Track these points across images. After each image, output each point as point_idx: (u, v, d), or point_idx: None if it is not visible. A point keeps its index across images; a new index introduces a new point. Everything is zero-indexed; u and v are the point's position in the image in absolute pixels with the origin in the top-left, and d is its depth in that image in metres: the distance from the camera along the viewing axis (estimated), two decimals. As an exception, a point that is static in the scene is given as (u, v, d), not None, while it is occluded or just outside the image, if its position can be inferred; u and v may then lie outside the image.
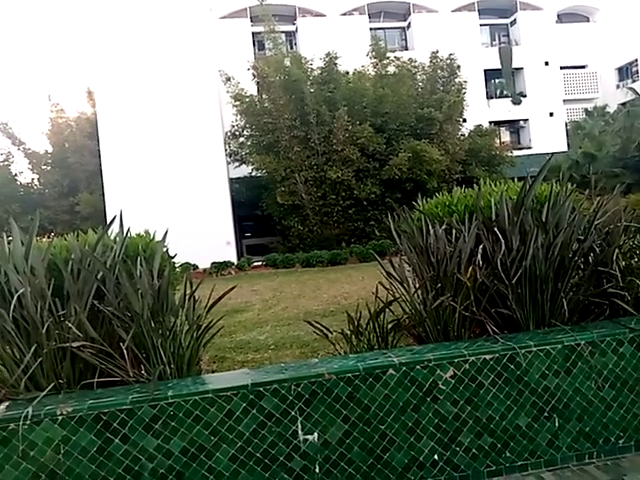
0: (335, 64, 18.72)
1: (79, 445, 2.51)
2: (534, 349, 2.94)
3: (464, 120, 20.56)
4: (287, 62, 18.97)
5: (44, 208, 20.63)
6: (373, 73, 19.71)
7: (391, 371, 2.79)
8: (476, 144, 19.79)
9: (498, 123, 26.54)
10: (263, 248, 20.06)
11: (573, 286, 3.39)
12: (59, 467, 2.49)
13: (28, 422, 2.47)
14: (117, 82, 17.51)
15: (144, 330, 2.94)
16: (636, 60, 30.84)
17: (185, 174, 17.44)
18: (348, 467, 2.72)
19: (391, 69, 19.61)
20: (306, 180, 17.96)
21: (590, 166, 22.33)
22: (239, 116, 19.46)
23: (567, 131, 27.75)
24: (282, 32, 24.28)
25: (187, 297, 3.18)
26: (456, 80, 20.24)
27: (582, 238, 3.38)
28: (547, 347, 2.95)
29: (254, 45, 24.99)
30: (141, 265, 3.13)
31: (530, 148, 26.69)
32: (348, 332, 3.52)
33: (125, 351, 2.88)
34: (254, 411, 2.65)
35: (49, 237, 19.71)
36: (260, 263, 17.59)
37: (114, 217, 3.50)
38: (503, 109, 27.73)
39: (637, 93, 25.12)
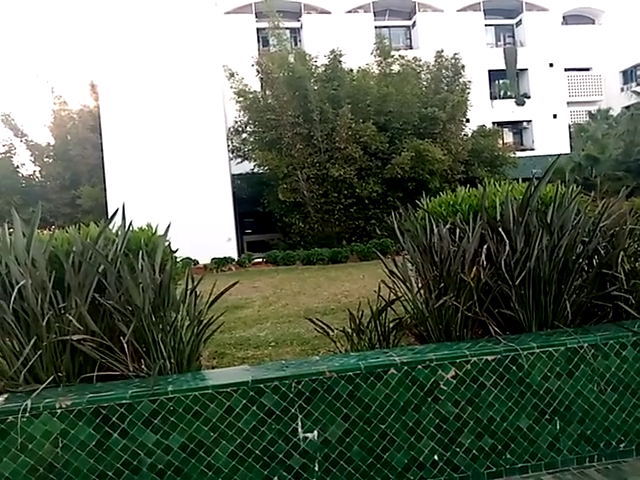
0: (339, 62, 18.66)
1: (77, 439, 2.50)
2: (536, 351, 2.92)
3: (467, 120, 20.49)
4: (291, 59, 18.90)
5: (46, 201, 20.64)
6: (377, 71, 19.65)
7: (392, 370, 2.78)
8: (479, 144, 19.74)
9: (501, 124, 26.48)
10: (264, 245, 20.05)
11: (577, 288, 3.36)
12: (57, 460, 2.48)
13: (27, 415, 2.46)
14: (121, 75, 17.47)
15: (145, 324, 2.93)
16: (641, 63, 30.72)
17: (187, 169, 17.42)
18: (348, 466, 2.71)
19: (395, 68, 19.54)
20: (308, 177, 17.93)
21: (593, 169, 22.29)
22: (242, 112, 19.41)
23: (570, 133, 27.66)
24: (287, 28, 24.18)
25: (188, 292, 3.17)
26: (460, 80, 20.18)
27: (587, 240, 3.36)
28: (549, 349, 2.94)
29: (258, 41, 24.91)
30: (143, 259, 3.12)
31: (533, 150, 26.64)
32: (349, 330, 3.50)
33: (125, 345, 2.87)
34: (254, 408, 2.64)
35: (50, 230, 19.74)
36: (261, 260, 17.58)
37: (116, 210, 3.48)
38: (507, 110, 27.65)
39: (641, 96, 25.04)
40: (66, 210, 21.34)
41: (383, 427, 2.74)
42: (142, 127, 17.30)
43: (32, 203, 19.88)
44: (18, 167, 23.28)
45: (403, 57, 19.86)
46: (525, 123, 28.42)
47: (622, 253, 3.32)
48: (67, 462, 2.49)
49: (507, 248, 3.15)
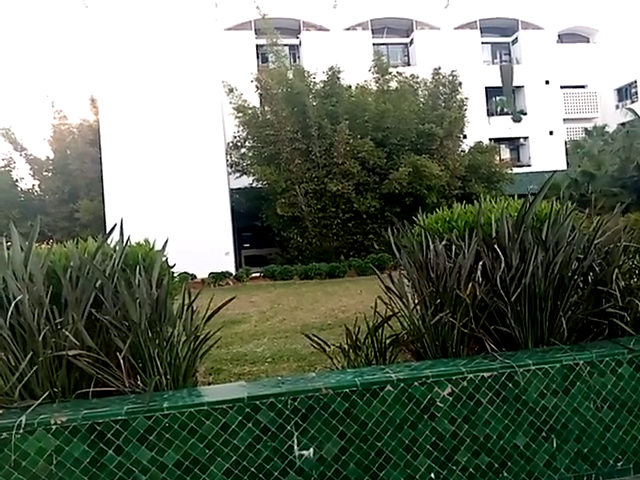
0: (338, 78, 18.87)
1: (72, 456, 2.48)
2: (532, 368, 2.92)
3: (464, 136, 20.68)
4: (290, 75, 19.11)
5: (44, 214, 20.63)
6: (375, 88, 19.85)
7: (389, 387, 2.77)
8: (476, 160, 19.88)
9: (498, 140, 26.69)
10: (262, 259, 20.04)
11: (572, 305, 3.38)
12: (51, 478, 2.46)
13: (21, 431, 2.44)
14: (121, 90, 17.61)
15: (141, 340, 2.93)
16: (635, 81, 31.15)
17: (186, 184, 17.48)
18: (343, 484, 2.69)
19: (393, 84, 19.75)
20: (306, 192, 18.00)
21: (589, 185, 22.45)
22: (241, 127, 19.56)
23: (566, 150, 27.91)
24: (286, 45, 24.51)
25: (185, 307, 3.17)
26: (457, 97, 20.39)
27: (582, 257, 3.38)
28: (545, 366, 2.94)
29: (258, 57, 25.19)
30: (140, 274, 3.12)
31: (530, 166, 26.82)
32: (346, 346, 3.50)
33: (122, 361, 2.86)
34: (250, 425, 2.63)
35: (48, 244, 19.69)
36: (258, 274, 17.56)
37: (114, 225, 3.49)
38: (503, 126, 27.91)
39: (636, 114, 25.33)
40: (64, 224, 21.34)
41: (379, 445, 2.73)
42: (141, 141, 17.41)
43: (31, 217, 19.87)
44: (17, 181, 23.33)
45: (401, 74, 20.11)
46: (522, 139, 28.68)
47: (617, 270, 3.34)
48: (61, 479, 2.46)
49: (502, 265, 3.17)
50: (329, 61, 19.21)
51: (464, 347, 3.26)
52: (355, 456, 2.70)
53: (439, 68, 20.67)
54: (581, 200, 20.08)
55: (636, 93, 31.01)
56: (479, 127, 24.23)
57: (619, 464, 2.96)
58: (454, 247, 3.50)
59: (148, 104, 17.45)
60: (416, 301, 3.54)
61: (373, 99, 19.05)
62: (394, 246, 3.85)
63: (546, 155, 27.00)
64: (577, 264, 3.36)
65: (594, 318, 3.39)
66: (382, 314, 3.58)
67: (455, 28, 27.55)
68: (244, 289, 14.08)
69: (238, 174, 20.17)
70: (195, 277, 15.85)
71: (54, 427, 2.47)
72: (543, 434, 2.89)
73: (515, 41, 29.29)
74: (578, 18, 31.35)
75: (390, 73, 19.95)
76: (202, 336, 3.19)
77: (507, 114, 28.41)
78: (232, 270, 17.86)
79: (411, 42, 27.98)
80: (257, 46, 24.94)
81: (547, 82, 28.35)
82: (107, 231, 3.56)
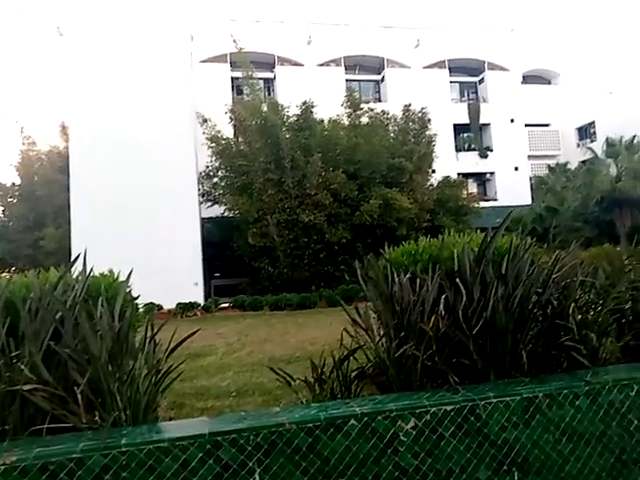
0: (311, 112, 19.26)
1: (21, 497, 2.37)
2: (494, 401, 2.96)
3: (433, 171, 21.25)
4: (264, 107, 19.42)
5: (7, 241, 20.08)
6: (347, 122, 20.34)
7: (353, 421, 2.76)
8: (444, 194, 20.40)
9: (466, 175, 27.51)
10: (232, 289, 19.82)
11: (532, 338, 3.47)
12: (-3, 522, 2.34)
13: (-33, 472, 2.33)
14: (92, 118, 17.53)
15: (101, 374, 2.85)
16: (594, 122, 32.81)
17: (156, 213, 17.31)
18: (306, 522, 2.63)
19: (365, 119, 20.29)
20: (278, 222, 18.07)
21: (553, 219, 23.26)
22: (214, 157, 19.64)
23: (531, 185, 28.95)
24: (261, 78, 24.99)
25: (147, 340, 3.12)
26: (427, 133, 21.03)
27: (540, 291, 3.49)
28: (506, 399, 2.98)
29: (233, 89, 25.54)
30: (102, 306, 3.07)
31: (496, 200, 27.67)
32: (312, 380, 3.48)
33: (79, 395, 2.78)
34: (211, 461, 2.57)
35: (9, 271, 19.05)
36: (228, 305, 17.34)
37: (77, 255, 3.44)
38: (471, 162, 28.86)
39: (595, 153, 26.56)
40: (28, 251, 20.74)
41: (342, 481, 2.70)
42: (111, 170, 17.24)
43: (-8, 243, 19.30)
44: (-21, 207, 22.70)
45: (372, 110, 20.67)
46: (488, 174, 29.65)
47: (573, 304, 3.46)
48: (8, 523, 2.34)
49: (464, 298, 3.24)
50: (303, 95, 19.63)
51: (428, 380, 3.29)
52: (318, 493, 2.66)
53: (409, 105, 21.34)
54: (546, 234, 20.77)
55: (595, 133, 32.62)
56: (447, 162, 24.96)
57: (578, 497, 2.99)
58: (418, 280, 3.57)
59: (119, 132, 17.39)
60: (382, 333, 3.57)
61: (345, 133, 19.48)
62: (361, 279, 3.91)
63: (512, 190, 27.94)
64: (536, 298, 3.47)
65: (553, 351, 3.48)
66: (349, 346, 3.59)
67: (424, 67, 28.65)
68: (212, 320, 13.86)
69: (210, 203, 20.13)
70: (162, 308, 15.53)
71: (2, 468, 2.36)
72: (505, 467, 2.91)
73: (482, 81, 30.61)
74: (540, 61, 33.12)
75: (362, 108, 20.50)
76: (164, 370, 3.13)
77: (474, 150, 29.43)
78: (201, 300, 17.59)
79: (382, 79, 28.90)
80: (232, 78, 25.33)
81: (512, 120, 29.60)
82: (72, 260, 3.50)
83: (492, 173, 29.40)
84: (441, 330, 3.24)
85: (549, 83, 34.91)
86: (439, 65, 29.03)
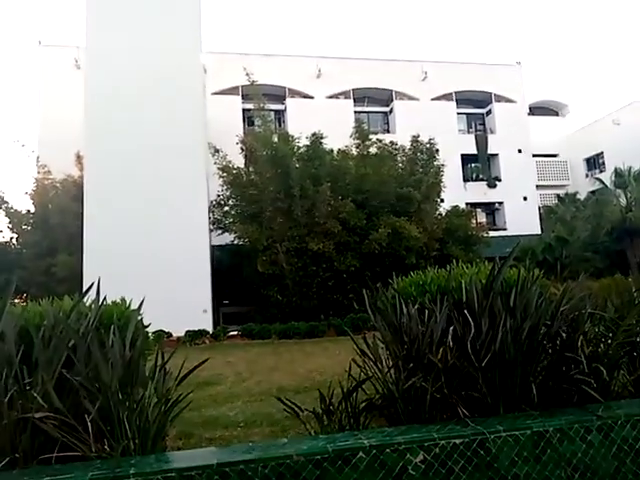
0: (320, 143, 19.54)
1: (30, 527, 2.37)
2: (503, 434, 2.93)
3: (442, 200, 21.31)
4: (275, 138, 19.75)
5: (20, 268, 20.27)
6: (356, 153, 20.58)
7: (361, 454, 2.75)
8: (453, 224, 20.40)
9: (474, 205, 27.58)
10: (241, 316, 19.77)
11: (542, 370, 3.45)
12: None
13: (-23, 499, 2.35)
14: (107, 148, 17.91)
15: (111, 402, 2.88)
16: (602, 153, 32.93)
17: (167, 241, 17.48)
18: None
19: (373, 150, 20.52)
20: (287, 250, 18.14)
21: (563, 249, 23.14)
22: (225, 186, 19.91)
23: (540, 215, 28.91)
24: (271, 110, 25.54)
25: (158, 369, 3.15)
26: (435, 163, 21.19)
27: (549, 323, 3.49)
28: (516, 433, 2.96)
29: (244, 121, 26.07)
30: (114, 334, 3.12)
31: (505, 229, 27.60)
32: (320, 411, 3.47)
33: (89, 424, 2.80)
34: (218, 493, 2.56)
35: (21, 299, 19.22)
36: (236, 332, 17.27)
37: (91, 284, 3.51)
38: (479, 192, 28.95)
39: (604, 183, 26.59)
40: (41, 279, 20.88)
41: (350, 515, 2.67)
42: (124, 198, 17.52)
43: (6, 270, 19.48)
44: (-7, 234, 23.03)
45: (381, 140, 20.93)
46: (497, 204, 29.67)
47: (582, 337, 3.44)
48: None
49: (473, 330, 3.25)
50: (313, 126, 19.96)
51: (437, 412, 3.27)
52: (325, 527, 2.63)
53: (418, 136, 21.59)
54: (556, 264, 20.62)
55: (603, 163, 32.70)
56: (456, 192, 25.05)
57: (592, 536, 2.92)
58: (427, 311, 3.58)
59: (133, 162, 17.73)
60: (390, 364, 3.57)
61: (354, 163, 19.70)
62: (369, 308, 3.93)
63: (521, 219, 27.89)
64: (545, 330, 3.46)
65: (563, 384, 3.45)
66: (357, 377, 3.59)
67: (432, 99, 29.09)
68: (221, 348, 13.80)
69: (220, 231, 20.31)
70: (171, 335, 15.51)
71: (13, 495, 2.38)
72: (515, 504, 2.87)
73: (489, 112, 30.97)
74: (548, 93, 33.66)
75: (370, 139, 20.76)
76: (174, 398, 3.15)
77: (482, 180, 29.55)
78: (209, 328, 17.55)
79: (391, 111, 29.36)
80: (244, 110, 25.88)
81: (520, 151, 29.78)
82: (84, 287, 3.58)
83: (501, 203, 29.43)
84: (450, 362, 3.24)
85: (557, 114, 35.26)
86: (447, 97, 29.48)
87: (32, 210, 23.30)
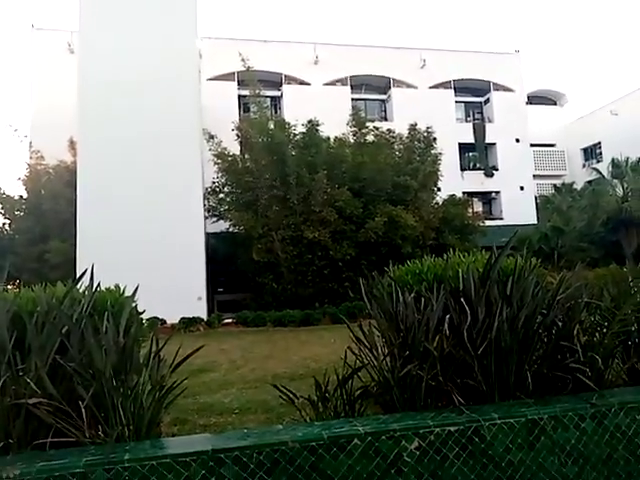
0: (317, 130, 19.42)
1: (23, 512, 2.36)
2: (498, 422, 2.94)
3: (438, 189, 21.30)
4: (271, 125, 19.61)
5: (13, 254, 20.13)
6: (353, 141, 20.49)
7: (356, 441, 2.75)
8: (449, 213, 20.40)
9: (471, 194, 27.57)
10: (235, 304, 19.78)
11: (537, 359, 3.45)
12: (-2, 536, 2.33)
13: (-30, 485, 2.33)
14: (100, 133, 17.72)
15: (105, 388, 2.86)
16: (599, 143, 32.92)
17: (161, 228, 17.39)
18: (307, 543, 2.61)
19: (370, 138, 20.42)
20: (283, 239, 18.10)
21: (559, 239, 23.21)
22: (220, 173, 19.79)
23: (537, 204, 28.94)
24: (267, 97, 25.29)
25: (152, 355, 3.13)
26: (432, 151, 21.13)
27: (545, 312, 3.49)
28: (511, 420, 2.96)
29: (240, 107, 25.84)
30: (108, 321, 3.09)
31: (502, 219, 27.65)
32: (315, 398, 3.47)
33: (83, 410, 2.79)
34: (213, 479, 2.56)
35: (14, 285, 19.10)
36: (231, 320, 17.29)
37: (84, 271, 3.48)
38: (476, 181, 28.92)
39: (600, 173, 26.61)
40: (33, 265, 20.75)
41: (345, 501, 2.68)
42: (118, 184, 17.37)
43: (-2, 256, 19.39)
44: (-15, 220, 22.83)
45: (378, 128, 20.83)
46: (494, 194, 29.68)
47: (578, 326, 3.45)
48: (9, 538, 2.34)
49: (469, 318, 3.25)
50: (309, 113, 19.81)
51: (432, 400, 3.28)
52: (320, 513, 2.64)
53: (415, 124, 21.50)
54: (552, 253, 20.71)
55: (600, 153, 32.71)
56: (453, 181, 25.01)
57: (584, 522, 2.95)
58: (423, 299, 3.57)
59: (128, 148, 17.57)
60: (386, 352, 3.57)
61: (351, 151, 19.61)
62: (365, 296, 3.91)
63: (517, 209, 27.93)
64: (541, 319, 3.46)
65: (558, 372, 3.46)
66: (353, 364, 3.58)
67: (430, 87, 28.92)
68: (215, 335, 13.83)
69: (215, 219, 20.23)
70: (165, 322, 15.52)
71: (6, 481, 2.37)
72: (509, 490, 2.88)
73: (487, 101, 30.84)
74: (546, 82, 33.46)
75: (367, 127, 20.66)
76: (168, 385, 3.14)
77: (479, 169, 29.52)
78: (204, 315, 17.56)
79: (388, 98, 29.18)
80: (239, 96, 25.64)
81: (517, 140, 29.72)
82: (77, 273, 3.56)
83: (497, 192, 29.43)
84: (446, 350, 3.24)
85: (555, 104, 35.15)
86: (445, 85, 29.31)
87: (25, 196, 23.09)
